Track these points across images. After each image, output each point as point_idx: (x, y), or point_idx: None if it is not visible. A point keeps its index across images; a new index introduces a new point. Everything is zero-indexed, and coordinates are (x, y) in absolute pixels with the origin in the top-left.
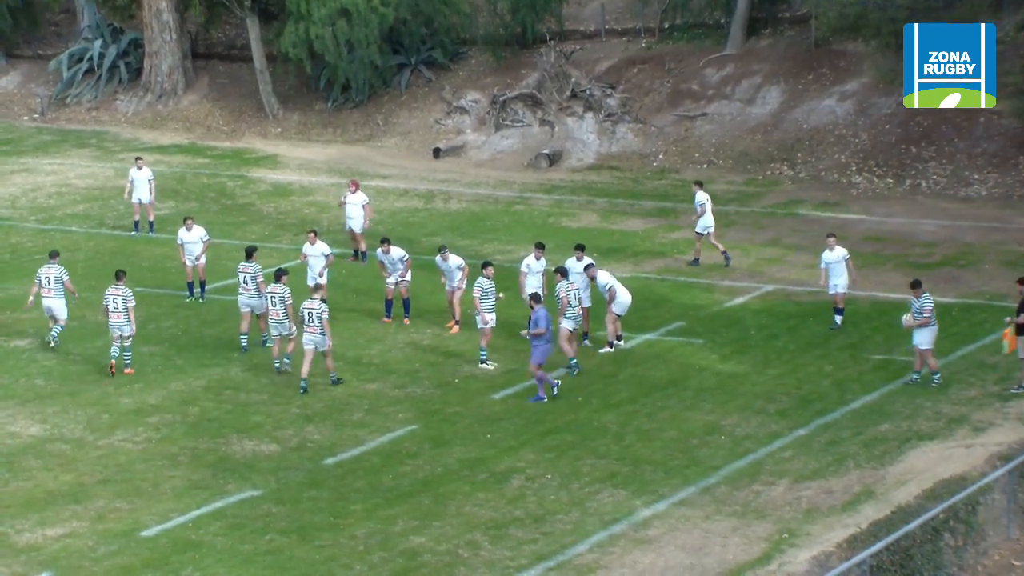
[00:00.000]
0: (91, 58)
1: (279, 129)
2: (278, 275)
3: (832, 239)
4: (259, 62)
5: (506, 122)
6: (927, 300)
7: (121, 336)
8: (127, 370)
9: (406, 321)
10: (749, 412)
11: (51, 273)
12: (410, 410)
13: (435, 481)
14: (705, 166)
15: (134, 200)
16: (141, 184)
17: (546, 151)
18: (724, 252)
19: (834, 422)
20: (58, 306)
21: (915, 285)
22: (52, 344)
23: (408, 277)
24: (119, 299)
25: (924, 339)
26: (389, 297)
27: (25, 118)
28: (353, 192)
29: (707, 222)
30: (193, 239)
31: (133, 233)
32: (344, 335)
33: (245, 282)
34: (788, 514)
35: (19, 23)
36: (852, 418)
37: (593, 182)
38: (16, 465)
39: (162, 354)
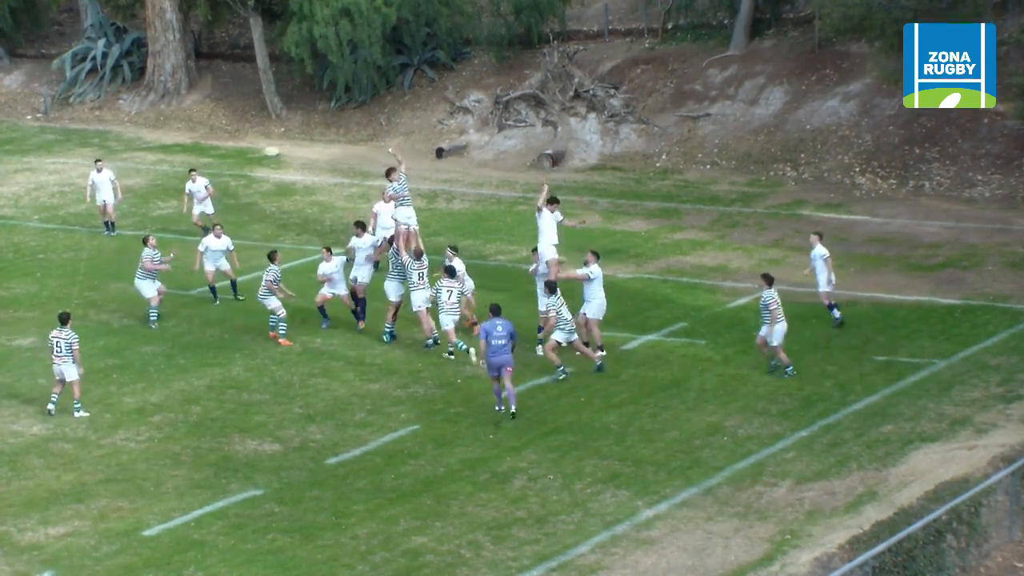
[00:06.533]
0: (94, 57)
1: (282, 129)
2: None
3: (814, 237)
4: (262, 62)
5: (509, 122)
6: (765, 296)
7: (63, 380)
8: (78, 413)
9: (361, 325)
10: (751, 413)
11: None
12: (412, 410)
13: (437, 481)
14: (708, 167)
15: (99, 202)
16: (104, 186)
17: (549, 151)
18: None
19: (836, 423)
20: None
21: (764, 277)
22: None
23: (367, 277)
24: (63, 342)
25: (775, 333)
26: (347, 304)
27: (28, 117)
28: (387, 202)
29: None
30: (220, 247)
31: (106, 233)
32: (346, 336)
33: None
34: (790, 515)
35: (22, 22)
36: (854, 419)
37: (596, 182)
38: (19, 464)
39: (164, 354)
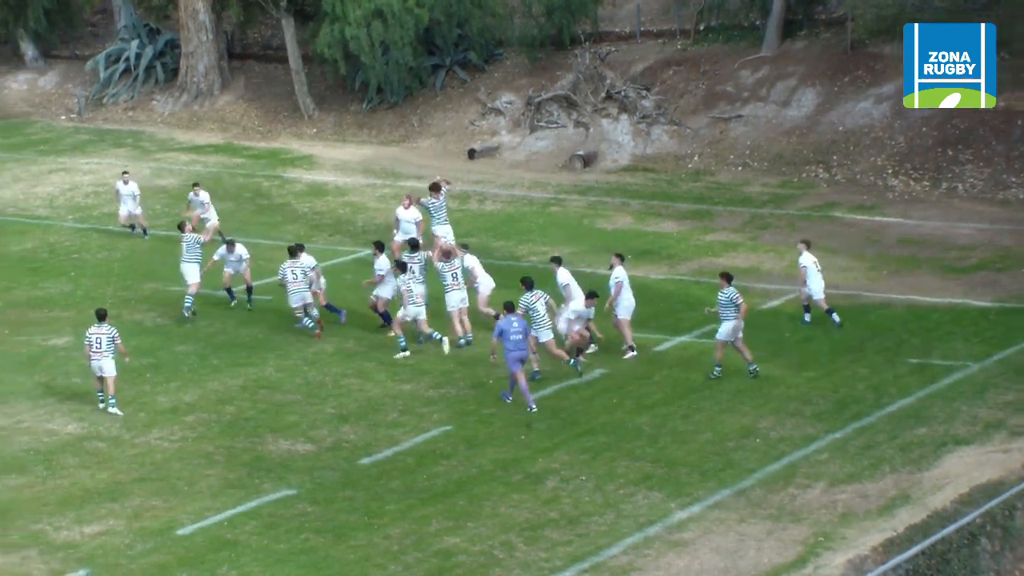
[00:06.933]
0: (128, 58)
1: (314, 129)
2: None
3: (801, 245)
4: (295, 63)
5: (541, 123)
6: (724, 294)
7: (103, 377)
8: (112, 410)
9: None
10: (784, 415)
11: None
12: (444, 411)
13: (470, 482)
14: (740, 168)
15: (122, 213)
16: (128, 198)
17: (581, 152)
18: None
19: (870, 426)
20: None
21: (723, 275)
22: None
23: (389, 294)
24: (103, 338)
25: (721, 330)
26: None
27: (63, 118)
28: (407, 208)
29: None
30: (235, 257)
31: (144, 237)
32: (379, 337)
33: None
34: (823, 517)
35: (56, 24)
36: (888, 422)
37: (628, 184)
38: (54, 463)
39: (198, 353)
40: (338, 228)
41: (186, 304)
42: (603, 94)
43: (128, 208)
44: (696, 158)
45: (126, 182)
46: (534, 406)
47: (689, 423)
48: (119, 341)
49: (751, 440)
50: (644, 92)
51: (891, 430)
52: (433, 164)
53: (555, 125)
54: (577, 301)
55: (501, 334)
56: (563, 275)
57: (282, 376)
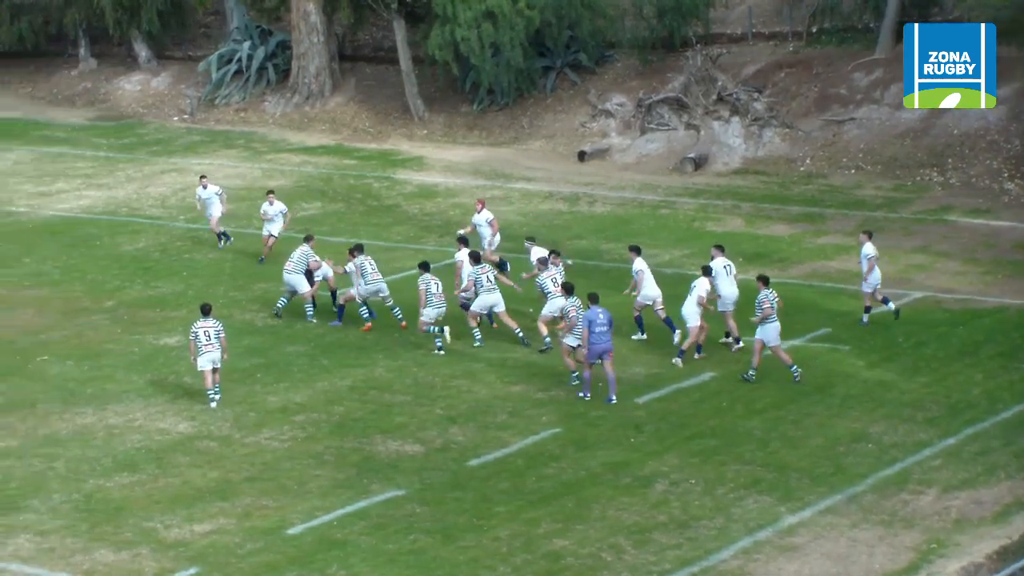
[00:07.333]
0: (240, 59)
1: (425, 131)
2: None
3: (863, 236)
4: (405, 64)
5: (651, 125)
6: (763, 295)
7: (214, 370)
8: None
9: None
10: (896, 420)
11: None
12: (554, 413)
13: (578, 484)
14: (853, 171)
15: (208, 215)
16: (211, 201)
17: (691, 155)
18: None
19: (984, 432)
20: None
21: (760, 279)
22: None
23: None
24: (211, 331)
25: (764, 335)
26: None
27: (175, 118)
28: (480, 212)
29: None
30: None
31: (220, 245)
32: (488, 338)
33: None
34: (936, 524)
35: (169, 25)
36: (1003, 428)
37: (739, 186)
38: (165, 461)
39: (308, 354)
40: (448, 230)
41: (308, 312)
42: (714, 96)
43: (211, 211)
44: (808, 161)
45: (205, 186)
46: (588, 394)
47: (800, 427)
48: (223, 336)
49: (862, 445)
50: (756, 94)
51: (1006, 436)
52: (543, 166)
53: (666, 127)
54: (646, 289)
55: (589, 325)
56: (638, 263)
57: (391, 377)
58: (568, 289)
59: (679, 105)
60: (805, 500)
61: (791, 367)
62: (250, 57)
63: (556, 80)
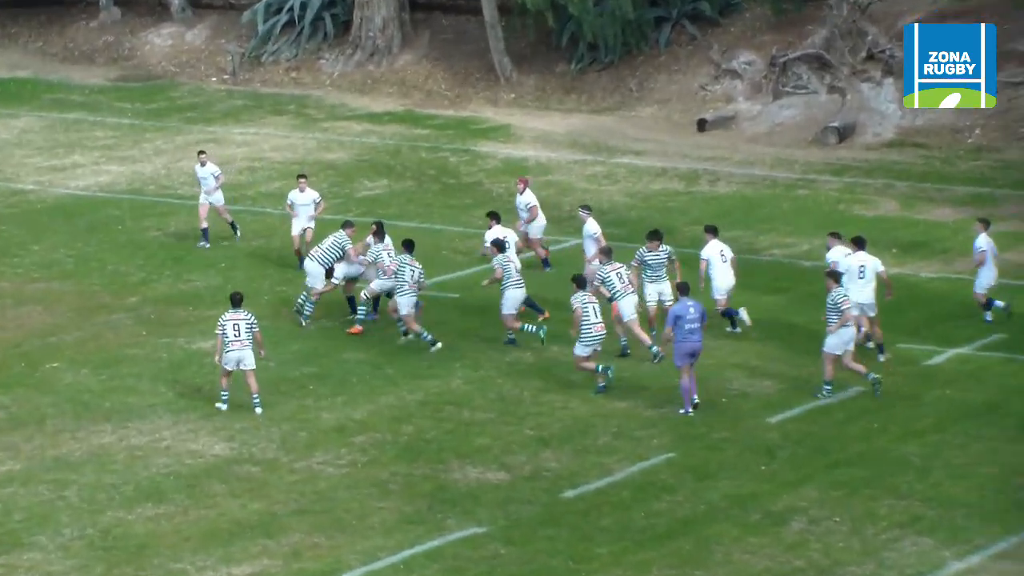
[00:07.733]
0: (291, 9)
1: (512, 95)
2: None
3: (979, 224)
4: (489, 15)
5: (787, 88)
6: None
7: (237, 370)
8: (259, 410)
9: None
10: None
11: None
12: (667, 434)
13: (697, 521)
14: None
15: (202, 202)
16: (207, 182)
17: (835, 124)
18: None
19: None
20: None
21: (829, 274)
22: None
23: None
24: (241, 323)
25: (829, 341)
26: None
27: (214, 79)
28: (522, 192)
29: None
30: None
31: (236, 238)
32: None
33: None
34: None
35: None
36: None
37: (893, 162)
38: (198, 490)
39: (369, 362)
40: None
41: (305, 312)
42: (863, 53)
43: (209, 197)
44: (977, 131)
45: (203, 163)
46: (691, 409)
47: (967, 454)
48: (257, 330)
49: None
50: None
51: None
52: (654, 137)
53: (804, 90)
54: (717, 280)
55: (676, 321)
56: (709, 249)
57: (471, 390)
58: (580, 283)
59: (820, 64)
60: (974, 543)
61: (829, 383)
62: (304, 6)
63: (671, 34)
